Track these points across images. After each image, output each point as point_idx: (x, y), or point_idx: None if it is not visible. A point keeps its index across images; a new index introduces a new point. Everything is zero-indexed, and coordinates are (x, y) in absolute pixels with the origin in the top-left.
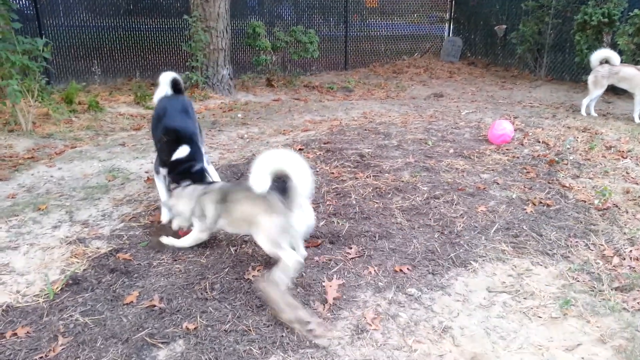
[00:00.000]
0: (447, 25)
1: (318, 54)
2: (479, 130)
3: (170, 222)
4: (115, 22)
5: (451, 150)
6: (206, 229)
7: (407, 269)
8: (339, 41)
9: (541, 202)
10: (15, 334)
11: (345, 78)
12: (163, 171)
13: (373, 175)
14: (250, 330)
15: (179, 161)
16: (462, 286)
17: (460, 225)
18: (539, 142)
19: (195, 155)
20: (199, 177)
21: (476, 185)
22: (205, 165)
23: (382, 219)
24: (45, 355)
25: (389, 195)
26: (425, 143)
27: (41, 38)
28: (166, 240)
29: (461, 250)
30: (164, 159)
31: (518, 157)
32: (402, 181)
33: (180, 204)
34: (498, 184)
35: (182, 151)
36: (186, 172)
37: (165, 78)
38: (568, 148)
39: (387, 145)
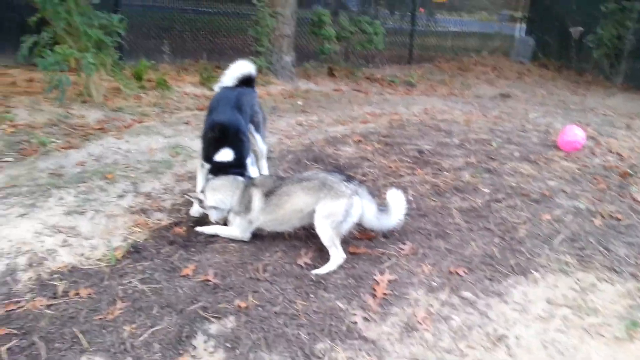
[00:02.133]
0: (518, 24)
1: (382, 46)
2: (547, 135)
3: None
4: (187, 4)
5: (516, 154)
6: (247, 228)
7: (463, 271)
8: (404, 35)
9: (611, 216)
10: (78, 294)
11: (408, 72)
12: (207, 166)
13: (432, 173)
14: (299, 315)
15: (222, 164)
16: (521, 295)
17: (522, 232)
18: (612, 152)
19: (239, 161)
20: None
21: (542, 191)
22: (249, 166)
23: (439, 218)
24: (104, 317)
25: (448, 195)
26: (489, 144)
27: (116, 14)
28: (201, 228)
29: (522, 258)
30: (207, 155)
31: (588, 167)
32: (462, 181)
33: (218, 195)
34: (565, 192)
35: (225, 155)
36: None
37: (237, 68)
38: None
39: (448, 144)
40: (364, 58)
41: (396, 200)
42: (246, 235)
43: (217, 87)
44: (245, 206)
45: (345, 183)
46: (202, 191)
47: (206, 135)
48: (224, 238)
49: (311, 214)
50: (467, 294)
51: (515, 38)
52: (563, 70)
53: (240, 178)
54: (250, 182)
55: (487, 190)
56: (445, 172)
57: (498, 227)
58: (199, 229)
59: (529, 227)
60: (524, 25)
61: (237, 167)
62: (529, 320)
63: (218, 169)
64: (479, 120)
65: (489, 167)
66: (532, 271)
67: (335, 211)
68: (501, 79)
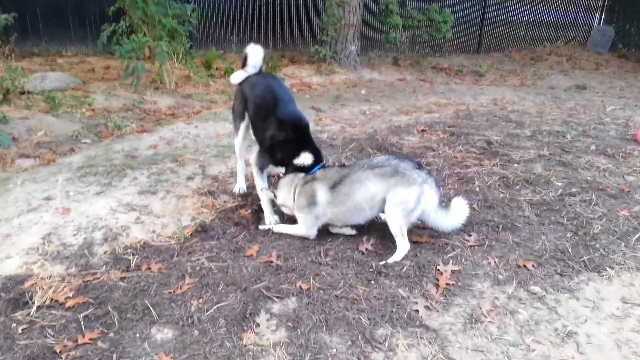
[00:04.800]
0: (597, 13)
1: (451, 34)
2: (626, 128)
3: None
4: None
5: (592, 147)
6: (313, 224)
7: (532, 265)
8: (473, 23)
9: None
10: (149, 269)
11: (476, 62)
12: (272, 170)
13: (500, 164)
14: (360, 299)
15: (304, 167)
16: (593, 292)
17: (597, 228)
18: None
19: (319, 162)
20: None
21: (619, 187)
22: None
23: (507, 210)
24: (173, 291)
25: (517, 187)
26: (563, 136)
27: (189, 4)
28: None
29: (596, 254)
30: (277, 158)
31: None
32: (534, 173)
33: (281, 193)
34: None
35: (306, 159)
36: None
37: (257, 53)
38: None
39: (519, 135)
40: (431, 47)
41: (460, 207)
42: (312, 232)
43: (239, 76)
44: (309, 201)
45: (417, 171)
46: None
47: (273, 138)
48: (287, 222)
49: (382, 202)
50: (535, 289)
51: (593, 27)
52: None
53: (300, 174)
54: (310, 177)
55: (560, 184)
56: (514, 164)
57: (571, 222)
58: (262, 227)
59: (605, 223)
60: (602, 14)
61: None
62: (601, 318)
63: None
64: (552, 112)
65: (563, 160)
66: (607, 268)
67: (407, 199)
68: (576, 70)
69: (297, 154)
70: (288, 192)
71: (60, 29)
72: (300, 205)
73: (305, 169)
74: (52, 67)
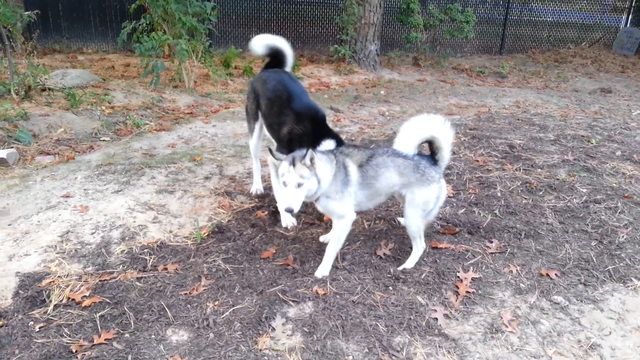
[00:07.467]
0: (624, 14)
1: (473, 35)
2: None
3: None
4: None
5: (618, 153)
6: (350, 206)
7: (555, 274)
8: (496, 24)
9: None
10: (166, 269)
11: (498, 63)
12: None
13: (523, 169)
14: (378, 306)
15: None
16: (618, 303)
17: (622, 237)
18: None
19: (342, 144)
20: None
21: None
22: None
23: (530, 217)
24: (189, 292)
25: (541, 193)
26: (588, 141)
27: (209, 2)
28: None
29: (621, 264)
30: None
31: None
32: (557, 179)
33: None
34: None
35: (328, 145)
36: None
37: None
38: None
39: (542, 139)
40: (452, 47)
41: None
42: (353, 217)
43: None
44: (343, 182)
45: (435, 167)
46: None
47: (292, 132)
48: (304, 225)
49: (395, 193)
50: (558, 298)
51: (619, 29)
52: None
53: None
54: (339, 152)
55: (584, 190)
56: (538, 169)
57: (596, 230)
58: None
59: (631, 232)
60: (629, 15)
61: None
62: (626, 330)
63: None
64: (576, 116)
65: (588, 166)
66: (632, 279)
67: (427, 199)
68: (601, 73)
69: (318, 143)
70: (329, 171)
71: (82, 25)
72: (337, 188)
73: None
74: (73, 64)
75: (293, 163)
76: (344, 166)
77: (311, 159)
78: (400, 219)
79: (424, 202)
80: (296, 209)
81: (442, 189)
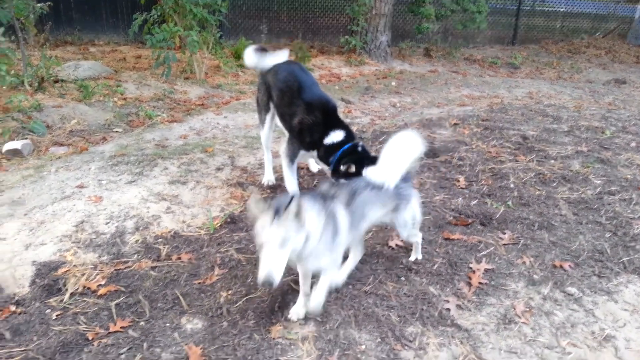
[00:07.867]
0: (638, 4)
1: (485, 25)
2: None
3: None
4: None
5: (633, 144)
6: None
7: (569, 266)
8: (508, 14)
9: None
10: (179, 258)
11: (511, 53)
12: (304, 157)
13: (537, 160)
14: (390, 296)
15: (334, 146)
16: (633, 295)
17: (637, 228)
18: None
19: (351, 137)
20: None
21: None
22: None
23: (543, 208)
24: (203, 281)
25: (554, 184)
26: (602, 132)
27: None
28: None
29: (636, 256)
30: (308, 142)
31: None
32: (571, 170)
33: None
34: None
35: (336, 136)
36: (353, 154)
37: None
38: None
39: (556, 130)
40: (464, 38)
41: None
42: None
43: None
44: (333, 232)
45: (407, 182)
46: None
47: (302, 122)
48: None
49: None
50: (572, 290)
51: (634, 19)
52: None
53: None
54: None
55: (598, 182)
56: (551, 160)
57: (610, 222)
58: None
59: None
60: None
61: (350, 142)
62: None
63: (334, 152)
64: (590, 107)
65: (602, 157)
66: None
67: (413, 214)
68: (616, 63)
69: (326, 134)
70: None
71: (93, 17)
72: (327, 241)
73: (337, 147)
74: (85, 55)
75: (277, 213)
76: (332, 213)
77: (299, 208)
78: None
79: (411, 218)
80: (277, 278)
81: (418, 196)
